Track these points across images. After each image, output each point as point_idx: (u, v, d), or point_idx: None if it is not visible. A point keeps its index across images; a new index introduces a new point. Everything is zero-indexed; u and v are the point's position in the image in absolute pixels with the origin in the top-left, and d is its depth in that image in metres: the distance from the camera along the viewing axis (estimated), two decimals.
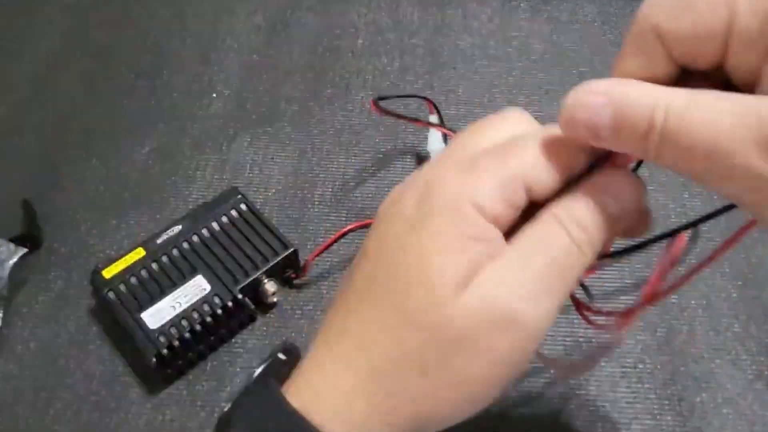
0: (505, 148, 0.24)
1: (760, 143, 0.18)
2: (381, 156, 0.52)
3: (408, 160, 0.52)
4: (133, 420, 0.40)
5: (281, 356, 0.25)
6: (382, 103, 0.43)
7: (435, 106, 0.48)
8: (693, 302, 0.44)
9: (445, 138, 0.48)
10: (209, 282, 0.42)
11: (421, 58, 0.59)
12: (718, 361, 0.42)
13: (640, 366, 0.41)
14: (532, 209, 0.24)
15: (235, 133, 0.54)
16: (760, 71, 0.20)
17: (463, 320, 0.22)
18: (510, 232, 0.24)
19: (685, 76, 0.22)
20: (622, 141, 0.21)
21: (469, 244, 0.22)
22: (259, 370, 0.24)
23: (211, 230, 0.45)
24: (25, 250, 0.46)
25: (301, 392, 0.23)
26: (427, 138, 0.49)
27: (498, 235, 0.23)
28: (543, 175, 0.23)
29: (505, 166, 0.23)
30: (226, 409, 0.23)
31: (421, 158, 0.52)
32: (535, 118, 0.27)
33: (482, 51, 0.60)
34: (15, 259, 0.45)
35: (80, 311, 0.45)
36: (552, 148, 0.23)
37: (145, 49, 0.61)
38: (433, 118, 0.49)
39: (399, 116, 0.45)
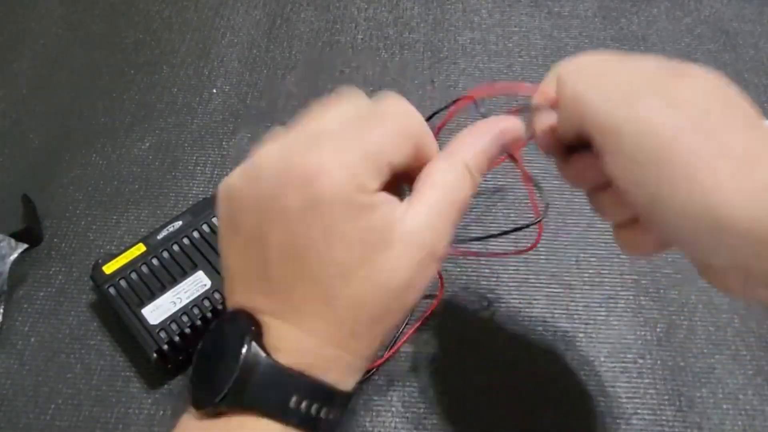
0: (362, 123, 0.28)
1: None
2: None
3: None
4: (134, 415, 0.40)
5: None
6: None
7: None
8: (693, 297, 0.44)
9: None
10: (210, 278, 0.42)
11: (421, 53, 0.59)
12: (718, 356, 0.42)
13: (641, 361, 0.42)
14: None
15: (235, 128, 0.54)
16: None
17: (404, 276, 0.25)
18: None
19: None
20: None
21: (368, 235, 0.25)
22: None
23: (211, 226, 0.44)
24: (26, 245, 0.45)
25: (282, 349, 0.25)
26: None
27: (386, 197, 0.26)
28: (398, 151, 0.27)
29: (369, 144, 0.27)
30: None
31: None
32: None
33: (483, 46, 0.60)
34: (15, 255, 0.45)
35: (81, 307, 0.45)
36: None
37: (145, 44, 0.61)
38: None
39: None
